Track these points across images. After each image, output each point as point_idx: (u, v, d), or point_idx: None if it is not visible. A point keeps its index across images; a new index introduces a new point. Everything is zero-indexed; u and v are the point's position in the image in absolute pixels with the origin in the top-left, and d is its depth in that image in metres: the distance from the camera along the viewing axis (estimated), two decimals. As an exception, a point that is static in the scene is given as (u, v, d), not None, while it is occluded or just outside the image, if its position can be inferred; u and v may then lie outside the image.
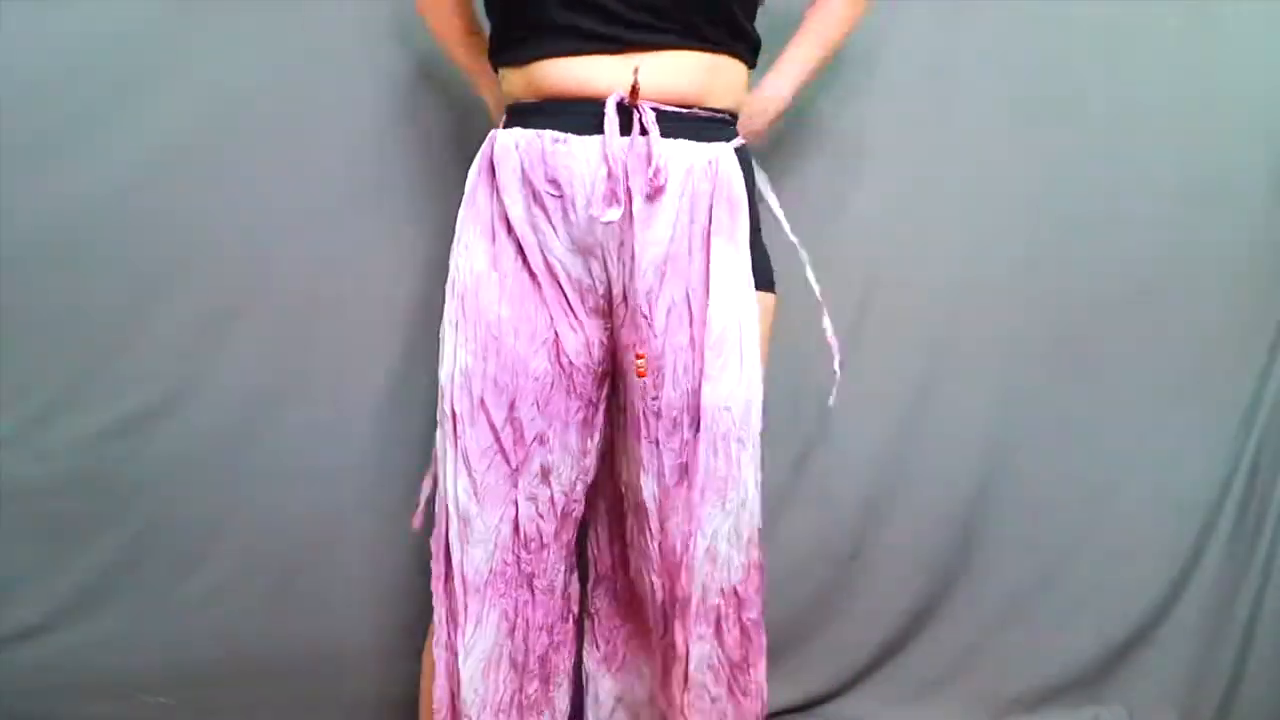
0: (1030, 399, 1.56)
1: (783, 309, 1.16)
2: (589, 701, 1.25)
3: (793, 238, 1.22)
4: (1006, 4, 1.49)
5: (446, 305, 1.10)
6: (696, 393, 1.03)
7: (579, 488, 1.15)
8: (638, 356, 1.06)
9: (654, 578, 1.10)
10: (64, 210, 1.36)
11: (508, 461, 1.09)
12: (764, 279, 1.11)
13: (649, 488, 1.08)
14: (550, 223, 1.07)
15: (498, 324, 1.07)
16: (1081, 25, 1.49)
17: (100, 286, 1.38)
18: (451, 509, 1.09)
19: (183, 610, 1.44)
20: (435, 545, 1.12)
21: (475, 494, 1.08)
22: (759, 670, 1.10)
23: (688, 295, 1.04)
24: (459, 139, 1.44)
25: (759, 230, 1.12)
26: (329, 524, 1.46)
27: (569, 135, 1.04)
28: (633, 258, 1.04)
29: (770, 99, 1.23)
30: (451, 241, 1.40)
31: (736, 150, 1.08)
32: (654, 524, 1.08)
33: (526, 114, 1.08)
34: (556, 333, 1.09)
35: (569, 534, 1.16)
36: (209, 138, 1.39)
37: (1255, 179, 1.54)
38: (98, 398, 1.40)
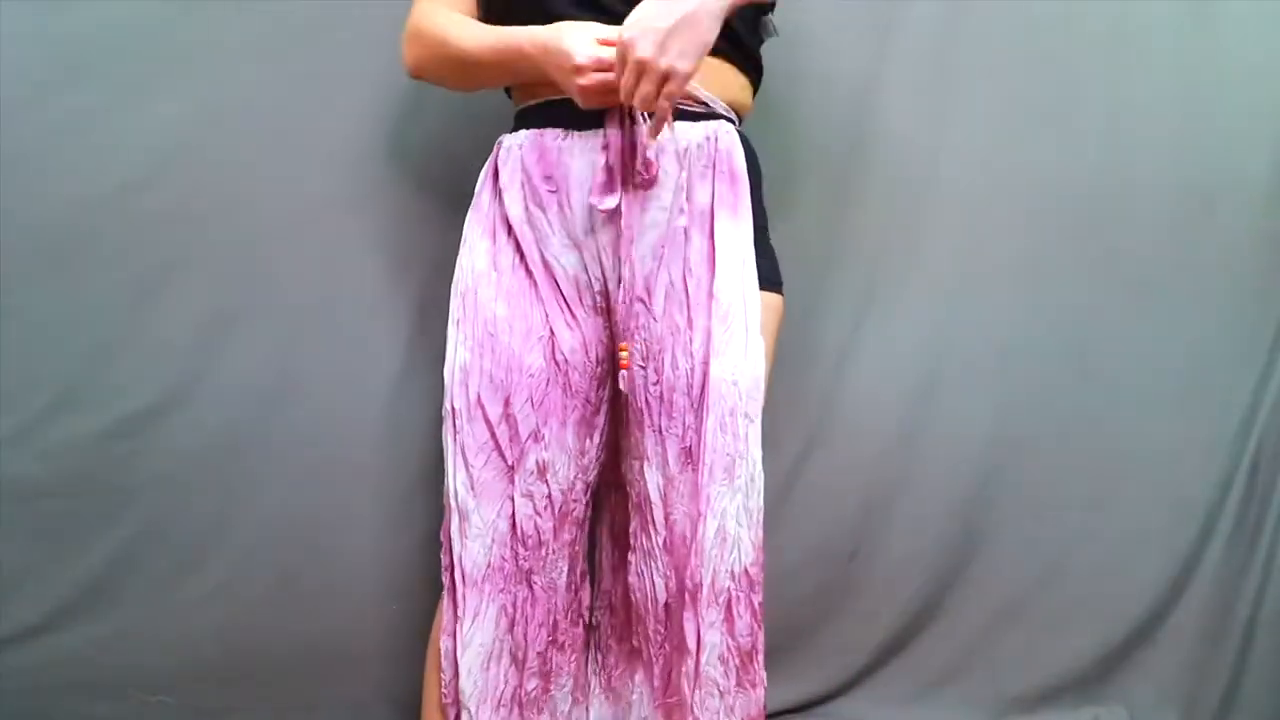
0: (1030, 399, 1.56)
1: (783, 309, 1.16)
2: (591, 718, 1.26)
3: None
4: (1006, 4, 1.49)
5: (450, 304, 1.13)
6: (694, 373, 1.04)
7: (579, 486, 1.15)
8: (620, 349, 1.08)
9: (657, 577, 1.09)
10: (64, 210, 1.36)
11: (504, 458, 1.10)
12: (771, 280, 1.11)
13: (653, 479, 1.08)
14: (547, 219, 1.09)
15: (494, 321, 1.09)
16: (1082, 25, 1.50)
17: (100, 286, 1.38)
18: (452, 502, 1.11)
19: (183, 610, 1.44)
20: (443, 537, 1.14)
21: (473, 489, 1.09)
22: (763, 657, 1.10)
23: (684, 276, 1.05)
24: (460, 139, 1.44)
25: (766, 230, 1.13)
26: (329, 524, 1.46)
27: (571, 130, 1.06)
28: (630, 244, 1.04)
29: None
30: (453, 241, 1.41)
31: (741, 138, 1.09)
32: (658, 516, 1.08)
33: (531, 116, 1.11)
34: (552, 330, 1.10)
35: (571, 534, 1.16)
36: (209, 138, 1.39)
37: (1255, 179, 1.54)
38: (98, 398, 1.40)
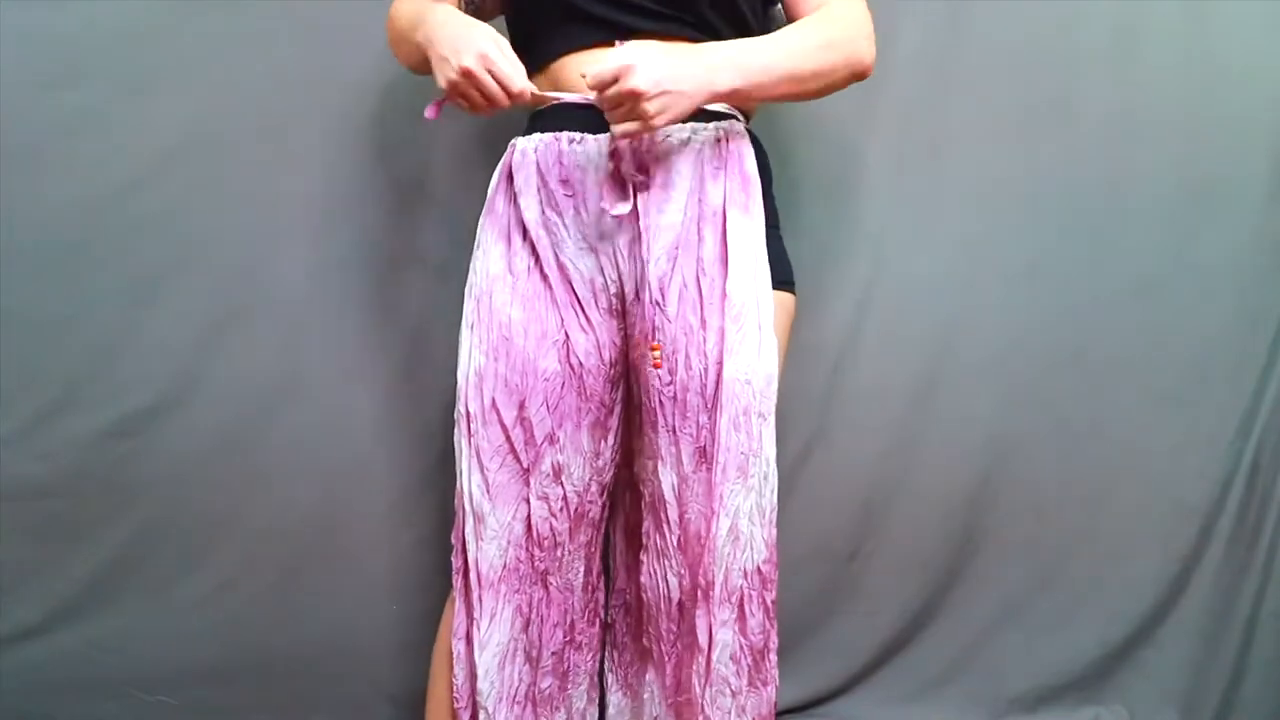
0: (1030, 399, 1.56)
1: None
2: (608, 713, 1.27)
3: None
4: (1007, 4, 1.49)
5: (464, 307, 1.13)
6: (708, 372, 1.04)
7: (594, 488, 1.15)
8: (653, 348, 1.07)
9: (670, 576, 1.09)
10: (64, 210, 1.36)
11: (519, 460, 1.10)
12: (783, 279, 1.12)
13: (667, 479, 1.08)
14: (563, 223, 1.09)
15: (509, 325, 1.09)
16: (1082, 25, 1.49)
17: (100, 287, 1.38)
18: (467, 505, 1.11)
19: (183, 610, 1.44)
20: (455, 540, 1.14)
21: (488, 491, 1.09)
22: (775, 655, 1.10)
23: (698, 277, 1.05)
24: (460, 139, 1.44)
25: (777, 228, 1.13)
26: (329, 523, 1.46)
27: (585, 135, 1.06)
28: (646, 248, 1.05)
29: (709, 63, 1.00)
30: (453, 240, 1.41)
31: (751, 137, 1.10)
32: (672, 515, 1.08)
33: (545, 118, 1.11)
34: (567, 334, 1.10)
35: (586, 535, 1.16)
36: (209, 138, 1.39)
37: (1255, 179, 1.54)
38: (98, 398, 1.40)
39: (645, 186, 1.05)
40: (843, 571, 1.57)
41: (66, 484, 1.40)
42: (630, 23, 1.05)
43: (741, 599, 1.06)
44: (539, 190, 1.10)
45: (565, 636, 1.16)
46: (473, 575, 1.10)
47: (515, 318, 1.09)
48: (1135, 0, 1.49)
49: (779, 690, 1.12)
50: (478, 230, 1.15)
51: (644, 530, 1.14)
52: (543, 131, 1.10)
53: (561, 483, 1.12)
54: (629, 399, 1.16)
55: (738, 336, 1.03)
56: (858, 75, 1.09)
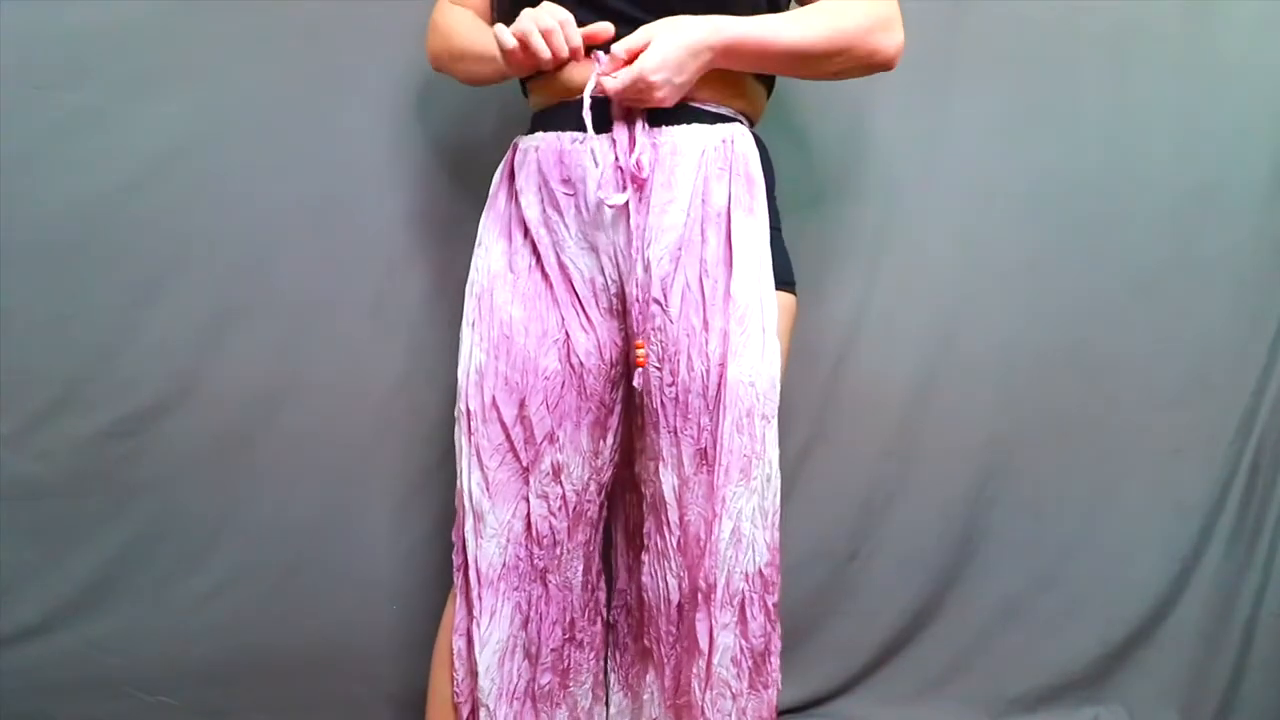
0: (1030, 399, 1.56)
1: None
2: (610, 712, 1.26)
3: None
4: (1007, 4, 1.49)
5: (465, 305, 1.13)
6: (710, 374, 1.04)
7: (593, 488, 1.15)
8: (637, 346, 1.07)
9: (670, 578, 1.09)
10: (64, 210, 1.36)
11: (519, 459, 1.10)
12: (785, 279, 1.12)
13: (668, 480, 1.08)
14: (564, 222, 1.09)
15: (509, 323, 1.09)
16: (1082, 25, 1.50)
17: (100, 286, 1.38)
18: (466, 503, 1.11)
19: (183, 610, 1.44)
20: (455, 537, 1.14)
21: (488, 489, 1.10)
22: (777, 658, 1.10)
23: (700, 278, 1.05)
24: (461, 140, 1.45)
25: (779, 230, 1.13)
26: (329, 524, 1.46)
27: (588, 134, 1.05)
28: (646, 247, 1.05)
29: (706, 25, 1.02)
30: (454, 240, 1.41)
31: (755, 140, 1.10)
32: (673, 517, 1.08)
33: (548, 117, 1.11)
34: (568, 333, 1.10)
35: (584, 534, 1.16)
36: (209, 138, 1.39)
37: (1255, 179, 1.54)
38: (98, 398, 1.40)
39: (639, 181, 1.04)
40: (843, 571, 1.57)
41: (66, 484, 1.40)
42: (639, 16, 1.04)
43: (743, 602, 1.06)
44: (540, 189, 1.10)
45: (565, 634, 1.16)
46: (472, 573, 1.11)
47: (516, 316, 1.10)
48: (1135, 0, 1.49)
49: (779, 692, 1.12)
50: (479, 228, 1.15)
51: (645, 531, 1.14)
52: (545, 130, 1.11)
53: (561, 482, 1.12)
54: (629, 399, 1.16)
55: (742, 338, 1.03)
56: (879, 64, 1.08)
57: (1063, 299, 1.55)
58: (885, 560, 1.57)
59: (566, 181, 1.07)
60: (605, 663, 1.26)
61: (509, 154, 1.15)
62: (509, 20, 1.07)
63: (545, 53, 0.99)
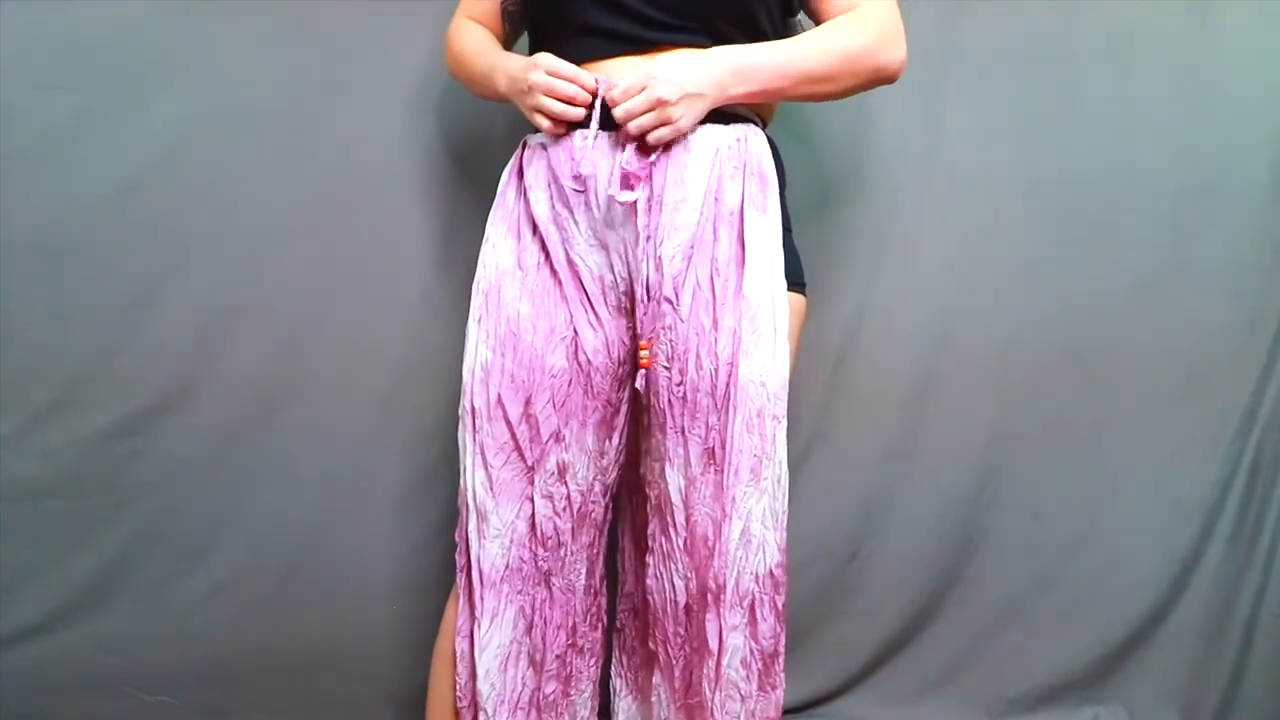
0: (1030, 399, 1.56)
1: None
2: (614, 718, 1.26)
3: None
4: (1007, 4, 1.49)
5: (472, 302, 1.13)
6: (719, 373, 1.04)
7: (597, 488, 1.15)
8: (641, 347, 1.07)
9: (676, 579, 1.09)
10: (64, 210, 1.36)
11: (523, 458, 1.09)
12: (795, 280, 1.12)
13: (674, 480, 1.07)
14: (574, 219, 1.08)
15: (517, 320, 1.09)
16: (1082, 25, 1.50)
17: (100, 286, 1.38)
18: (470, 502, 1.10)
19: (183, 610, 1.44)
20: (458, 537, 1.13)
21: (491, 489, 1.09)
22: (783, 658, 1.10)
23: (711, 277, 1.05)
24: (461, 139, 1.45)
25: (790, 231, 1.13)
26: (329, 524, 1.46)
27: (600, 132, 1.06)
28: (658, 245, 1.05)
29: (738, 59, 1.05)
30: (454, 240, 1.41)
31: (768, 141, 1.11)
32: (679, 518, 1.07)
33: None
34: (576, 330, 1.10)
35: (589, 536, 1.16)
36: (209, 138, 1.39)
37: (1255, 179, 1.54)
38: (98, 398, 1.40)
39: (640, 178, 1.05)
40: (843, 571, 1.57)
41: (66, 484, 1.40)
42: (646, 35, 1.05)
43: (753, 603, 1.05)
44: (549, 185, 1.09)
45: (568, 640, 1.15)
46: (475, 574, 1.10)
47: (523, 313, 1.09)
48: (1135, 1, 1.49)
49: (784, 692, 1.12)
50: (487, 225, 1.15)
51: (650, 533, 1.14)
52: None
53: (566, 482, 1.11)
54: (636, 399, 1.16)
55: (753, 338, 1.03)
56: (884, 79, 1.11)
57: (1063, 299, 1.55)
58: (885, 560, 1.57)
59: (577, 178, 1.07)
60: (608, 667, 1.25)
61: (518, 152, 1.15)
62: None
63: (578, 114, 1.05)
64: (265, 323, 1.42)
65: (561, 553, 1.13)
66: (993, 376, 1.55)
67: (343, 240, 1.43)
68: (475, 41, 1.19)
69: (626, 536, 1.26)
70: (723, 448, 1.03)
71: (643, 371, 1.08)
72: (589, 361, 1.10)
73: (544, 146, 1.10)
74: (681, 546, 1.07)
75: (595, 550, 1.18)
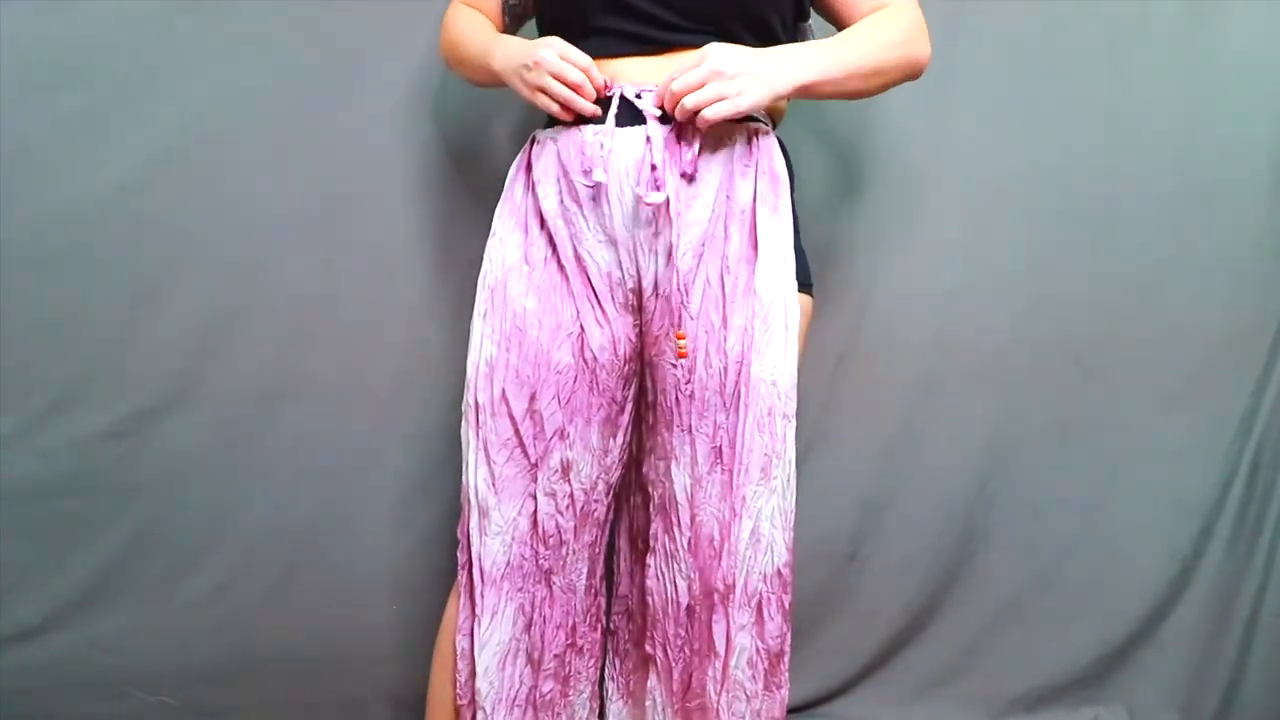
0: (1030, 399, 1.56)
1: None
2: None
3: None
4: (1008, 4, 1.49)
5: (477, 297, 1.12)
6: (728, 371, 1.03)
7: (600, 487, 1.14)
8: (678, 337, 1.06)
9: (679, 579, 1.08)
10: (64, 210, 1.36)
11: (527, 455, 1.09)
12: (804, 280, 1.12)
13: (680, 479, 1.07)
14: (583, 214, 1.07)
15: (523, 316, 1.08)
16: (1082, 25, 1.50)
17: (100, 286, 1.38)
18: (471, 499, 1.10)
19: (183, 610, 1.44)
20: (460, 534, 1.13)
21: (494, 485, 1.08)
22: (788, 658, 1.09)
23: (721, 275, 1.05)
24: (461, 140, 1.45)
25: (799, 232, 1.13)
26: (329, 524, 1.46)
27: (614, 127, 1.05)
28: (670, 245, 1.04)
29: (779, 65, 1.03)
30: (454, 240, 1.40)
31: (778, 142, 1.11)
32: (684, 517, 1.07)
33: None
34: (582, 327, 1.09)
35: (591, 535, 1.15)
36: (209, 138, 1.39)
37: (1255, 179, 1.54)
38: (98, 398, 1.40)
39: (685, 177, 1.04)
40: (843, 571, 1.57)
41: (66, 484, 1.40)
42: (657, 36, 1.05)
43: (760, 603, 1.05)
44: (559, 180, 1.08)
45: (567, 639, 1.15)
46: (476, 571, 1.09)
47: (530, 308, 1.08)
48: (1135, 0, 1.49)
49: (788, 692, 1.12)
50: (494, 219, 1.14)
51: (651, 533, 1.13)
52: (567, 123, 1.08)
53: (569, 480, 1.10)
54: (641, 397, 1.16)
55: (765, 336, 1.03)
56: (914, 73, 1.13)
57: (1063, 299, 1.55)
58: (885, 560, 1.57)
59: (588, 173, 1.06)
60: (602, 671, 1.24)
61: (526, 146, 1.14)
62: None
63: (588, 107, 1.04)
64: (265, 323, 1.42)
65: (563, 551, 1.12)
66: (993, 376, 1.55)
67: (343, 240, 1.43)
68: (470, 26, 1.18)
69: (623, 538, 1.26)
70: (731, 446, 1.03)
71: (682, 361, 1.06)
72: (594, 358, 1.09)
73: (553, 140, 1.09)
74: (685, 546, 1.07)
75: (597, 549, 1.18)
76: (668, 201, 1.03)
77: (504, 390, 1.07)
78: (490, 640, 1.09)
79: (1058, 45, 1.50)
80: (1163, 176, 1.53)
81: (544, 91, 1.04)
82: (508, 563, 1.10)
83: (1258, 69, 1.52)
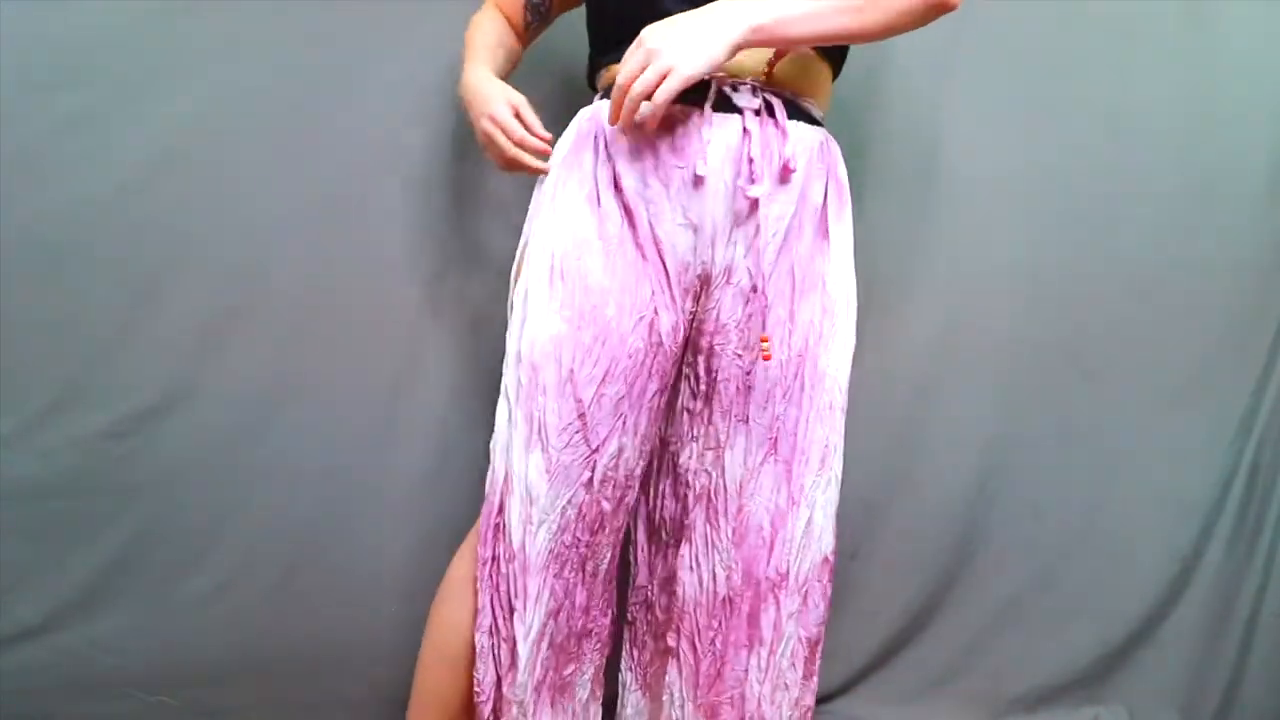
0: (1030, 399, 1.56)
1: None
2: (620, 711, 1.25)
3: None
4: (1008, 4, 1.49)
5: (526, 270, 1.07)
6: (790, 363, 1.06)
7: (637, 472, 1.11)
8: (762, 340, 1.05)
9: (719, 569, 1.08)
10: (64, 211, 1.36)
11: (588, 441, 1.04)
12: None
13: (732, 469, 1.08)
14: (668, 196, 1.04)
15: (600, 293, 1.03)
16: (1083, 25, 1.50)
17: (100, 287, 1.38)
18: (518, 487, 1.04)
19: (183, 610, 1.44)
20: (485, 527, 1.07)
21: (548, 471, 1.03)
22: (822, 646, 1.12)
23: (793, 269, 1.07)
24: (461, 140, 1.44)
25: None
26: (329, 524, 1.46)
27: (712, 112, 1.03)
28: (756, 234, 1.04)
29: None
30: (454, 240, 1.40)
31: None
32: (730, 507, 1.08)
33: None
34: (656, 310, 1.05)
35: (620, 520, 1.12)
36: (209, 138, 1.38)
37: (1255, 179, 1.54)
38: (98, 398, 1.39)
39: (782, 174, 1.05)
40: (843, 571, 1.57)
41: (66, 484, 1.40)
42: None
43: (807, 590, 1.08)
44: (641, 158, 1.04)
45: (584, 621, 1.12)
46: (516, 563, 1.05)
47: (606, 285, 1.03)
48: (1135, 1, 1.49)
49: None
50: (545, 188, 1.09)
51: (689, 522, 1.12)
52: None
53: (619, 466, 1.07)
54: (676, 383, 1.14)
55: (831, 332, 1.06)
56: (939, 5, 1.01)
57: (1063, 299, 1.55)
58: (885, 560, 1.57)
59: (679, 153, 1.03)
60: (617, 661, 1.24)
61: (590, 117, 1.09)
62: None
63: (530, 162, 1.06)
64: (265, 323, 1.42)
65: (599, 538, 1.08)
66: (993, 376, 1.55)
67: (343, 240, 1.43)
68: (476, 34, 1.20)
69: (641, 529, 1.22)
70: (792, 436, 1.06)
71: (764, 364, 1.06)
72: (660, 343, 1.06)
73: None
74: (729, 536, 1.08)
75: (620, 536, 1.14)
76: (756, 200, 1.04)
77: (572, 370, 1.02)
78: (531, 631, 1.06)
79: (1058, 45, 1.50)
80: (1163, 176, 1.53)
81: (490, 141, 1.07)
82: (550, 550, 1.05)
83: (1258, 69, 1.52)
